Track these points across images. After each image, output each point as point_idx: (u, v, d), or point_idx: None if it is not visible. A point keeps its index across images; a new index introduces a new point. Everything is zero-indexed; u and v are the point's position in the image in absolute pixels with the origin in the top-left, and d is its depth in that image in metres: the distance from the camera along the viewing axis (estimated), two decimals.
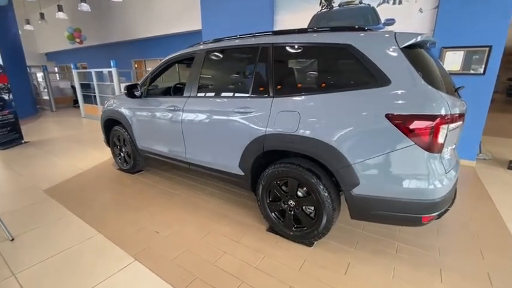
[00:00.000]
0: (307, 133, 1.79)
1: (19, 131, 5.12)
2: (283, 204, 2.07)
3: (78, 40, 10.19)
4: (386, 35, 1.66)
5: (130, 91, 2.85)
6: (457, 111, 1.58)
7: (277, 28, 5.24)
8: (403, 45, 1.59)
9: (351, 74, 1.75)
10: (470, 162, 3.83)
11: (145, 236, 2.19)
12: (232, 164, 2.28)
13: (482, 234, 2.21)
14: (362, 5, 4.29)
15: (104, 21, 10.86)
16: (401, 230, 2.26)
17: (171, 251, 2.00)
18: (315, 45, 1.87)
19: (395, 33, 1.65)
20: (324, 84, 1.86)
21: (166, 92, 3.31)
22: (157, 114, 2.80)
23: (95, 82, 7.25)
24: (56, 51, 14.31)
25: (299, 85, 2.05)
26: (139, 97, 2.97)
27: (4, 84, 4.84)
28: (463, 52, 3.58)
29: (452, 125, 1.54)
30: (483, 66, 3.49)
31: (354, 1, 4.36)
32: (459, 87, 1.92)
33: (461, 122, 1.69)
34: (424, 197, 1.54)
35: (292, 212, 2.04)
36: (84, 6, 9.06)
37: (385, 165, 1.59)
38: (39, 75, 9.87)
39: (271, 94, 2.02)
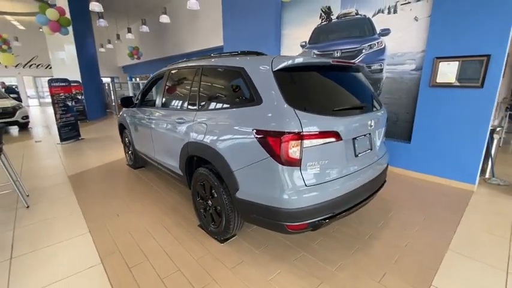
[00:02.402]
0: (208, 142, 2.09)
1: (78, 130, 6.59)
2: (205, 203, 2.38)
3: (136, 56, 12.24)
4: (267, 60, 1.84)
5: (123, 102, 3.58)
6: (322, 129, 1.66)
7: (284, 41, 5.49)
8: (275, 69, 1.76)
9: (242, 93, 1.98)
10: (469, 185, 3.34)
11: (107, 216, 2.77)
12: (176, 165, 2.70)
13: (402, 261, 2.07)
14: (358, 16, 4.22)
15: (159, 39, 12.71)
16: (318, 243, 2.30)
17: (116, 229, 2.52)
18: (223, 67, 2.17)
19: (273, 58, 1.82)
20: (225, 101, 2.13)
21: (149, 103, 3.85)
22: (141, 121, 3.42)
23: None
24: (127, 64, 17.24)
25: (211, 100, 2.31)
26: (134, 107, 3.67)
27: (69, 94, 6.32)
28: (457, 63, 3.22)
29: (310, 142, 1.63)
30: (480, 77, 3.08)
31: (350, 13, 4.32)
32: (363, 106, 1.93)
33: (333, 139, 1.73)
34: (282, 206, 1.67)
35: (210, 211, 2.33)
36: (144, 28, 10.91)
37: (253, 174, 1.78)
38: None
39: (196, 108, 2.38)
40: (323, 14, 4.70)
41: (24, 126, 8.05)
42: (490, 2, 2.92)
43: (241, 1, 6.14)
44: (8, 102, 7.63)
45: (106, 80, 13.21)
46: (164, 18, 9.48)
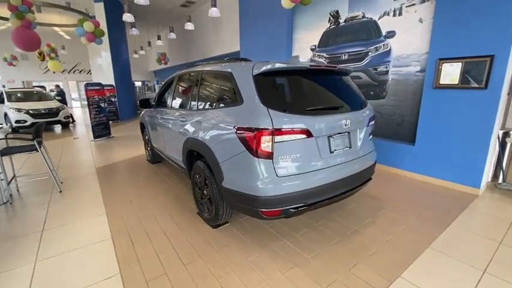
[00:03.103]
0: (201, 138, 2.38)
1: (109, 128, 7.33)
2: (201, 193, 2.67)
3: (163, 62, 13.11)
4: (249, 65, 2.08)
5: (141, 103, 4.03)
6: (293, 126, 1.86)
7: (295, 45, 5.67)
8: (255, 74, 1.99)
9: (230, 95, 2.23)
10: (473, 189, 3.25)
11: (122, 202, 3.19)
12: (180, 159, 3.03)
13: (378, 254, 2.17)
14: (365, 19, 4.28)
15: (185, 45, 13.49)
16: (302, 234, 2.46)
17: (127, 213, 2.91)
18: (216, 72, 2.45)
19: (254, 64, 2.05)
20: (217, 101, 2.41)
21: (162, 104, 4.20)
22: (156, 120, 3.84)
23: None
24: (157, 69, 18.43)
25: (206, 101, 2.60)
26: (151, 107, 4.11)
27: (102, 96, 7.08)
28: (460, 64, 3.18)
29: (281, 137, 1.84)
30: (484, 78, 3.02)
31: (357, 16, 4.39)
32: (340, 106, 2.10)
33: (304, 136, 1.91)
34: (256, 193, 1.89)
35: (204, 199, 2.61)
36: (172, 35, 11.70)
37: (234, 165, 2.02)
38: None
39: (195, 108, 2.69)
40: (331, 18, 4.81)
41: (65, 124, 9.09)
42: (492, 2, 2.88)
43: (256, 8, 6.43)
44: (53, 104, 8.70)
45: (138, 83, 14.31)
46: (189, 26, 10.11)
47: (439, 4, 3.29)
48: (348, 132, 2.25)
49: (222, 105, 2.31)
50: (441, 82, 3.38)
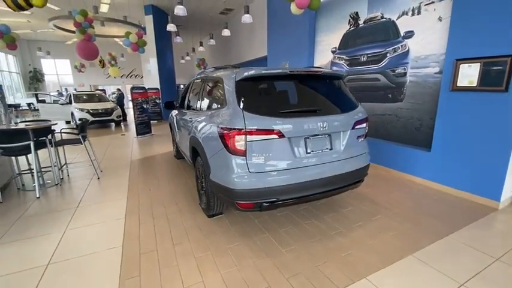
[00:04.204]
0: (197, 136, 2.69)
1: (150, 127, 8.25)
2: (200, 185, 2.99)
3: (202, 67, 14.04)
4: (235, 71, 2.31)
5: (166, 105, 4.56)
6: (265, 127, 2.04)
7: (318, 48, 5.70)
8: (237, 79, 2.22)
9: (220, 98, 2.49)
10: (492, 202, 2.94)
11: (142, 189, 3.70)
12: (189, 155, 3.40)
13: (352, 255, 2.19)
14: (383, 19, 4.15)
15: (223, 51, 14.24)
16: (286, 230, 2.59)
17: (144, 198, 3.39)
18: (213, 78, 2.74)
19: (237, 70, 2.27)
20: (212, 104, 2.68)
21: (182, 106, 4.66)
22: (177, 120, 4.31)
23: None
24: None
25: (206, 104, 2.90)
26: (174, 109, 4.62)
27: (145, 99, 8.01)
28: (479, 64, 2.92)
29: (253, 137, 2.02)
30: (504, 80, 2.73)
31: (376, 17, 4.27)
32: (317, 110, 2.20)
33: (276, 136, 2.06)
34: (232, 186, 2.10)
35: (202, 191, 2.92)
36: (211, 41, 12.56)
37: (217, 160, 2.27)
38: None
39: (199, 110, 3.02)
40: (351, 20, 4.75)
41: (118, 123, 10.45)
42: None
43: (282, 14, 6.60)
44: (109, 105, 10.09)
45: (183, 86, 15.62)
46: (225, 32, 10.73)
47: (457, 1, 3.07)
48: (329, 135, 2.32)
49: (215, 107, 2.59)
50: (458, 84, 3.13)
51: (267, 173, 2.11)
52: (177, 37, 11.57)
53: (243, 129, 2.02)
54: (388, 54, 4.12)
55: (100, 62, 12.78)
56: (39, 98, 10.94)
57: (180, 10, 7.58)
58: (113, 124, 10.71)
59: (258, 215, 2.88)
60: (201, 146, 2.60)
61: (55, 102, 10.65)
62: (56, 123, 4.10)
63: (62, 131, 4.30)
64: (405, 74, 3.91)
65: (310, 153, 2.24)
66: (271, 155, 2.11)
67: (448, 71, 3.22)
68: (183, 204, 3.21)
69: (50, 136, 3.93)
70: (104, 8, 9.30)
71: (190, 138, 3.09)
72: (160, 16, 11.17)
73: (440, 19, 3.40)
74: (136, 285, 1.90)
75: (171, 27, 9.52)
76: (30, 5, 3.52)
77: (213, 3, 10.73)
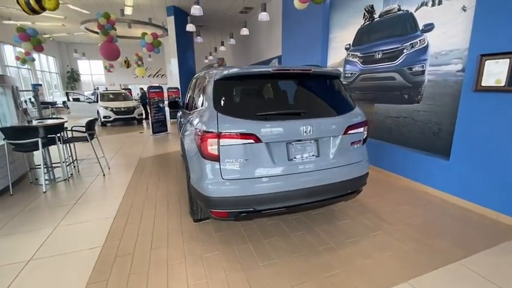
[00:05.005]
0: (183, 136, 2.60)
1: (166, 125, 8.43)
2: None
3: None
4: (217, 71, 2.16)
5: (170, 105, 4.56)
6: (239, 131, 1.87)
7: (331, 44, 5.37)
8: (215, 79, 2.07)
9: (202, 99, 2.35)
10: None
11: (140, 188, 3.72)
12: (183, 157, 3.34)
13: (336, 277, 1.94)
14: (400, 12, 3.75)
15: (244, 49, 14.19)
16: (270, 241, 2.40)
17: (138, 197, 3.39)
18: (201, 78, 2.62)
19: (219, 69, 2.13)
20: (197, 104, 2.57)
21: (182, 105, 4.65)
22: (178, 119, 4.29)
23: None
24: None
25: (193, 104, 2.79)
26: (178, 108, 4.61)
27: (161, 98, 8.19)
28: (508, 60, 2.48)
29: (227, 141, 1.87)
30: None
31: (392, 10, 3.88)
32: (302, 112, 1.98)
33: (251, 141, 1.88)
34: (205, 193, 1.97)
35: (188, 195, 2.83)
36: (232, 41, 12.58)
37: (194, 164, 2.15)
38: None
39: (191, 110, 2.93)
40: (366, 14, 4.37)
41: (139, 121, 10.86)
42: None
43: (296, 10, 6.32)
44: (131, 104, 10.52)
45: None
46: (244, 31, 10.66)
47: None
48: (315, 140, 2.09)
49: (198, 108, 2.47)
50: (483, 84, 2.70)
51: (242, 180, 1.94)
52: (198, 37, 11.73)
53: (215, 132, 1.88)
54: (404, 51, 3.71)
55: (125, 62, 13.39)
56: (74, 97, 11.81)
57: (196, 10, 7.63)
58: (135, 122, 11.16)
59: (245, 223, 2.72)
60: (184, 148, 2.50)
61: (87, 100, 11.41)
62: (66, 121, 4.28)
63: (73, 128, 4.48)
64: (423, 72, 3.49)
65: (292, 160, 2.03)
66: (247, 161, 1.94)
67: (471, 68, 2.79)
68: (174, 207, 3.15)
69: (61, 133, 4.11)
70: (128, 11, 9.71)
71: (180, 139, 3.02)
72: (181, 17, 11.38)
73: (464, 9, 2.96)
74: None
75: (190, 27, 9.65)
76: (43, 9, 3.70)
77: (232, 2, 10.69)
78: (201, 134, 1.95)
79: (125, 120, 10.25)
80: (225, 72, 2.06)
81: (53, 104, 13.57)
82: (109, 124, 10.39)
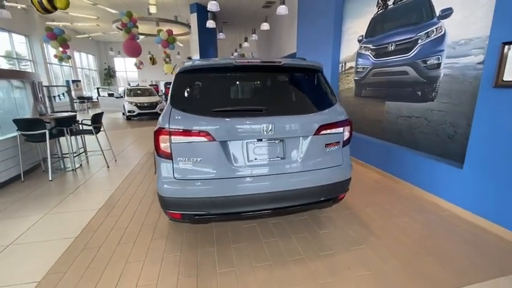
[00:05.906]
0: None
1: None
2: None
3: None
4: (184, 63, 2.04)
5: None
6: (190, 128, 1.74)
7: (344, 37, 4.97)
8: (178, 72, 1.96)
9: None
10: None
11: (135, 183, 3.79)
12: None
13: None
14: None
15: (266, 44, 13.96)
16: (238, 247, 2.25)
17: (128, 191, 3.45)
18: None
19: (184, 62, 2.00)
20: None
21: None
22: None
23: None
24: None
25: None
26: None
27: None
28: None
29: (178, 138, 1.74)
30: None
31: None
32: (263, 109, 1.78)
33: (204, 139, 1.72)
34: (158, 192, 1.88)
35: None
36: (254, 36, 12.46)
37: (156, 162, 2.07)
38: None
39: None
40: (380, 1, 3.93)
41: None
42: None
43: (311, 4, 5.98)
44: (154, 99, 10.95)
45: None
46: (265, 26, 10.46)
47: None
48: (281, 140, 1.88)
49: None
50: (506, 79, 2.23)
51: (194, 181, 1.82)
52: (220, 33, 11.79)
53: (166, 128, 1.77)
54: (419, 41, 3.25)
55: (150, 59, 13.96)
56: (109, 92, 12.73)
57: (213, 6, 7.62)
58: (158, 117, 11.61)
59: (220, 224, 2.59)
60: None
61: (116, 96, 12.19)
62: (75, 115, 4.53)
63: (83, 122, 4.73)
64: (439, 65, 3.02)
65: (252, 161, 1.85)
66: (200, 160, 1.81)
67: (492, 60, 2.32)
68: (158, 202, 3.14)
69: (69, 126, 4.36)
70: (152, 9, 10.07)
71: None
72: (204, 14, 11.49)
73: None
74: (54, 282, 1.87)
75: (210, 23, 9.72)
76: (55, 8, 3.92)
77: None
78: (156, 131, 1.86)
79: (148, 114, 10.70)
80: (186, 64, 1.94)
81: (89, 99, 14.71)
82: (135, 118, 10.95)
